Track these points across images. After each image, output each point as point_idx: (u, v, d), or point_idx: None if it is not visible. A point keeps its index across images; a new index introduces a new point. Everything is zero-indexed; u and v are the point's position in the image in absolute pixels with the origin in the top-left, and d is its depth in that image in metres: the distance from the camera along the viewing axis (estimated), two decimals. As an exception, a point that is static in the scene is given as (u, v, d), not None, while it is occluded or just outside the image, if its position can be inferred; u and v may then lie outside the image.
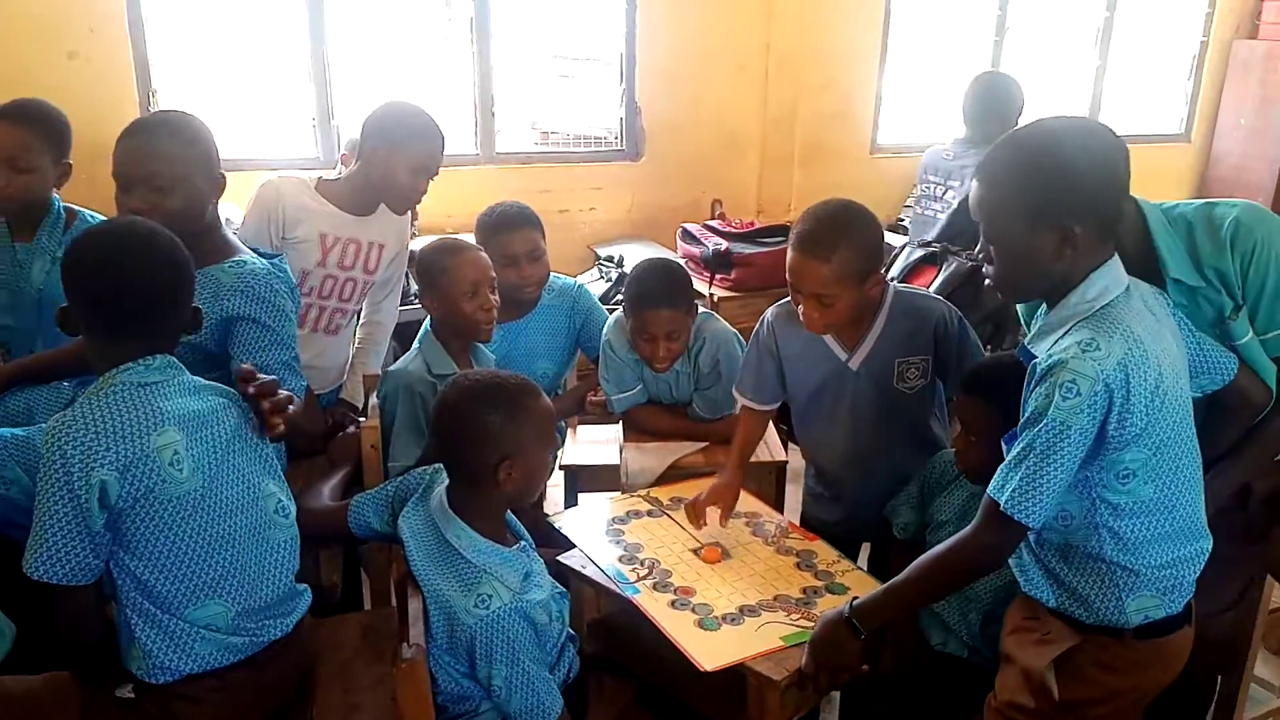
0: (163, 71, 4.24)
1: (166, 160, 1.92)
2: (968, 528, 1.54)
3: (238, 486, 1.61)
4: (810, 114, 5.12)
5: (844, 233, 1.97)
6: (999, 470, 1.49)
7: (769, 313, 2.28)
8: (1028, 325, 1.76)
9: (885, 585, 1.65)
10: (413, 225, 4.20)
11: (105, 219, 2.19)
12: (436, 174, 2.48)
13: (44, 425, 1.57)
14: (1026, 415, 1.45)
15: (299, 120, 4.45)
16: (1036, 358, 1.48)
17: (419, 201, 2.52)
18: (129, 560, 1.52)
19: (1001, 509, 1.45)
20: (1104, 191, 1.46)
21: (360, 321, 2.72)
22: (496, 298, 2.33)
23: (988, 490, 1.49)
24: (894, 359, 2.14)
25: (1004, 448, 1.54)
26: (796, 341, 2.20)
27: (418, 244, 4.07)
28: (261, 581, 1.64)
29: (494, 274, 2.34)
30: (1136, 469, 1.45)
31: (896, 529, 2.07)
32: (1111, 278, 1.48)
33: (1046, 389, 1.41)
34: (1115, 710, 1.57)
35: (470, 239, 2.58)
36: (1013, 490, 1.44)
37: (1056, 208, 1.43)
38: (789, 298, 2.11)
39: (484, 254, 2.36)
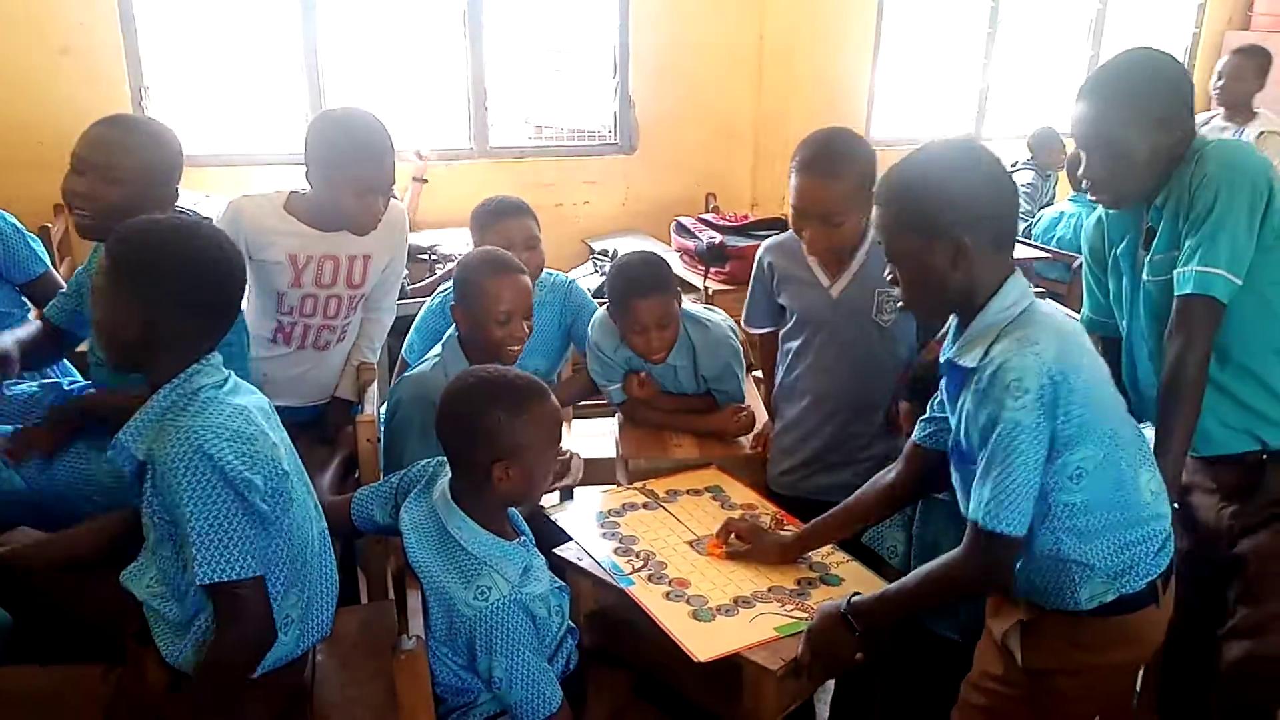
0: (154, 66, 4.23)
1: (125, 155, 2.01)
2: (958, 550, 1.53)
3: (301, 474, 1.65)
4: (803, 107, 5.13)
5: (847, 152, 2.10)
6: (972, 490, 1.48)
7: (762, 248, 2.39)
8: (1092, 262, 2.02)
9: (883, 590, 1.64)
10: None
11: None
12: (388, 189, 2.30)
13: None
14: (980, 426, 1.46)
15: (292, 115, 4.45)
16: (966, 369, 1.49)
17: (378, 220, 2.31)
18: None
19: (981, 526, 1.45)
20: (990, 204, 1.51)
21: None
22: (530, 325, 2.21)
23: (966, 514, 1.49)
24: (874, 289, 2.20)
25: (951, 462, 1.56)
26: (785, 270, 2.30)
27: (426, 239, 4.15)
28: (322, 568, 1.67)
29: (532, 301, 2.23)
30: (1090, 468, 1.46)
31: (885, 553, 2.04)
32: (1023, 286, 1.53)
33: (995, 395, 1.42)
34: (1086, 685, 1.56)
35: (464, 233, 2.55)
36: (986, 503, 1.44)
37: (944, 220, 1.49)
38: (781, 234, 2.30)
39: (526, 278, 2.21)
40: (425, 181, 4.41)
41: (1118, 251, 1.97)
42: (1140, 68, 1.81)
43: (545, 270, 2.72)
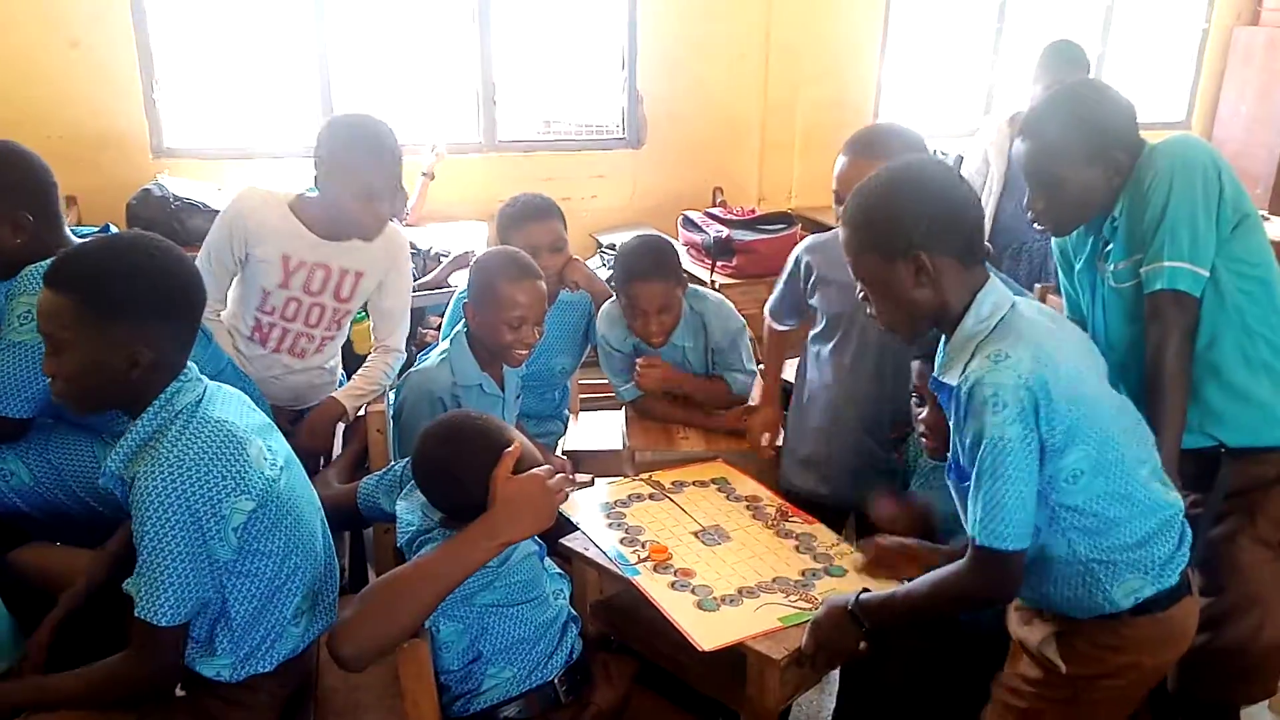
0: (166, 60, 4.25)
1: None
2: (962, 564, 1.51)
3: (296, 462, 1.65)
4: (811, 102, 5.12)
5: (892, 139, 2.10)
6: (968, 507, 1.48)
7: (801, 246, 2.38)
8: (1062, 266, 2.04)
9: (893, 591, 1.64)
10: (406, 209, 4.21)
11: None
12: (393, 195, 2.36)
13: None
14: (967, 444, 1.46)
15: (302, 107, 4.46)
16: (951, 386, 1.49)
17: (380, 227, 2.37)
18: (238, 581, 1.52)
19: (978, 543, 1.45)
20: (948, 220, 1.51)
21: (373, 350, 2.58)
22: (541, 330, 2.20)
23: (968, 530, 1.49)
24: None
25: (949, 481, 1.56)
26: (825, 272, 2.27)
27: (429, 234, 4.16)
28: (325, 554, 1.68)
29: (546, 307, 2.22)
30: (1086, 467, 1.45)
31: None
32: (999, 294, 1.53)
33: (976, 411, 1.42)
34: (1129, 685, 1.56)
35: (480, 227, 2.55)
36: (979, 520, 1.44)
37: (902, 240, 1.50)
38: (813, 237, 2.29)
39: (542, 284, 2.18)
40: (432, 178, 4.43)
41: (1077, 270, 1.99)
42: (1070, 108, 1.85)
43: None
